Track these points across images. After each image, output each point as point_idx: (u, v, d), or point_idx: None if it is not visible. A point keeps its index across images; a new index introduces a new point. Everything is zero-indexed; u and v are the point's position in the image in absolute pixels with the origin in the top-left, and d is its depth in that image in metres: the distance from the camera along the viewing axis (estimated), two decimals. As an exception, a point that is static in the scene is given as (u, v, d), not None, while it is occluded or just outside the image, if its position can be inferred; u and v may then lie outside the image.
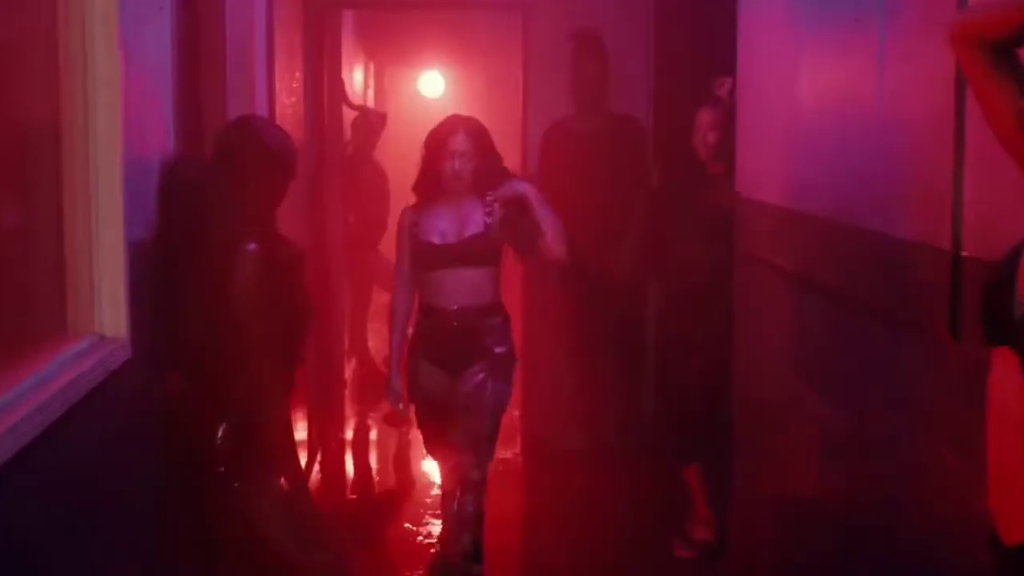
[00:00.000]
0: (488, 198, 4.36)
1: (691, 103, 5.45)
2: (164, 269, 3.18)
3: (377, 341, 8.79)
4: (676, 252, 5.30)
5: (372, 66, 12.03)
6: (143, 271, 3.00)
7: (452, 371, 4.39)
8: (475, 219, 4.36)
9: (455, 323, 4.35)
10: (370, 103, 11.24)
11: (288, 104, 5.19)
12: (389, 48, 11.72)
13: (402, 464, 6.99)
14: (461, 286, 4.34)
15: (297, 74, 5.69)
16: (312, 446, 6.31)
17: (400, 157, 9.37)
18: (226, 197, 3.39)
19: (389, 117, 9.09)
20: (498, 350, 4.40)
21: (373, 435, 7.56)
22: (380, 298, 8.69)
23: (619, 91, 6.21)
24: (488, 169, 4.37)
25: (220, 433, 3.28)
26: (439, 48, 11.91)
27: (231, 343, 3.30)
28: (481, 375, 4.37)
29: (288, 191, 3.59)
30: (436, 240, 4.33)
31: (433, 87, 12.93)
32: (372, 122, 8.52)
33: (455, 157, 4.31)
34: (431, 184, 4.39)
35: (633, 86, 6.28)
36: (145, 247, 3.03)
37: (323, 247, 6.78)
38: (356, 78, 10.12)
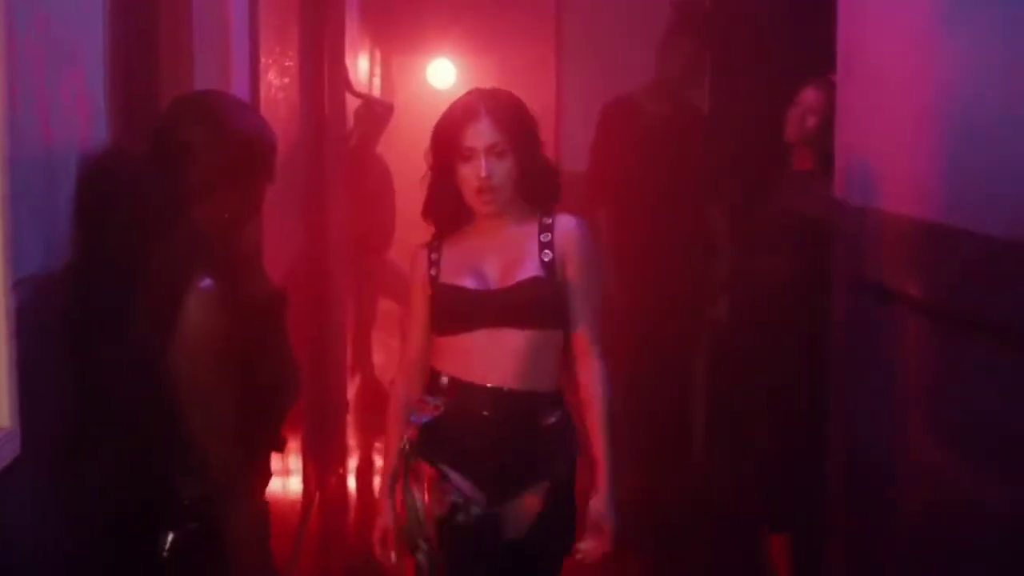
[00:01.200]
0: (545, 220, 2.94)
1: (757, 94, 4.58)
2: (82, 315, 2.26)
3: (383, 355, 8.03)
4: (746, 267, 4.39)
5: (378, 53, 11.15)
6: (42, 323, 2.07)
7: (487, 487, 2.92)
8: (528, 254, 2.91)
9: (486, 412, 2.87)
10: (375, 94, 10.40)
11: (279, 86, 4.26)
12: (397, 33, 10.80)
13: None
14: (503, 355, 2.86)
15: (291, 53, 4.75)
16: (309, 488, 5.45)
17: (404, 155, 8.60)
18: (170, 209, 2.45)
19: (396, 109, 8.27)
20: (560, 470, 2.94)
21: (379, 463, 6.73)
22: (387, 307, 7.98)
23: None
24: (536, 169, 2.93)
25: (167, 544, 2.35)
26: (451, 33, 10.97)
27: (178, 421, 2.35)
28: (538, 508, 2.93)
29: (264, 199, 2.62)
30: (469, 284, 2.91)
31: (443, 76, 11.97)
32: (377, 113, 7.74)
33: (479, 157, 2.85)
34: (448, 206, 2.95)
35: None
36: (48, 286, 2.09)
37: (323, 253, 5.93)
38: (360, 66, 9.27)
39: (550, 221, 2.94)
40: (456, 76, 11.88)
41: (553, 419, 2.92)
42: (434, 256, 2.97)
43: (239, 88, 3.41)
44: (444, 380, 2.92)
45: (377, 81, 11.16)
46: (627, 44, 5.48)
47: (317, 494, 5.72)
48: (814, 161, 4.13)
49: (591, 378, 2.94)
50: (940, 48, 3.04)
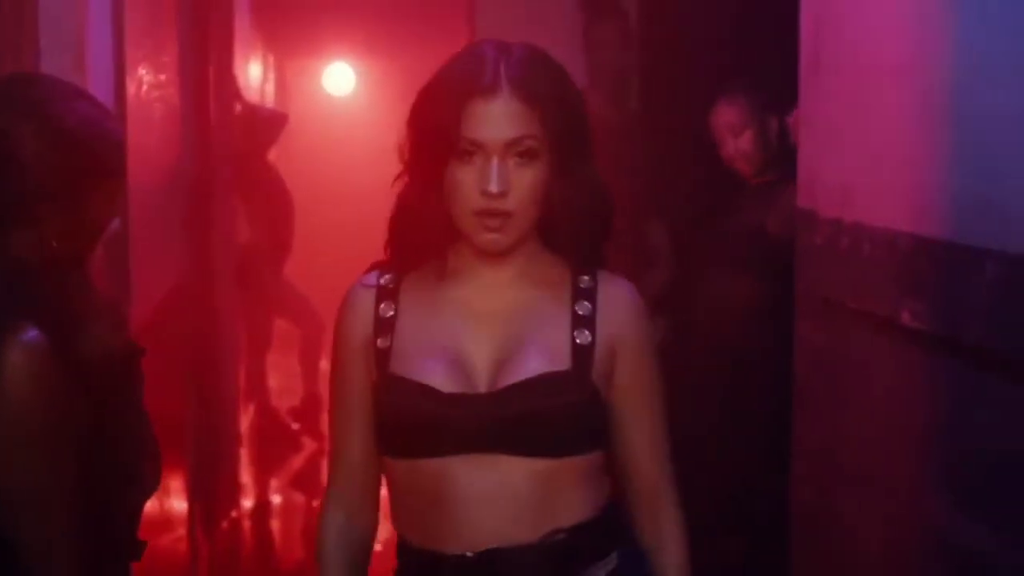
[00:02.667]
0: (583, 280, 1.87)
1: (694, 95, 4.12)
2: None
3: (280, 379, 7.47)
4: (701, 289, 3.92)
5: (271, 57, 10.54)
6: None
7: None
8: (548, 332, 1.82)
9: None
10: (269, 102, 9.82)
11: (153, 83, 3.68)
12: (291, 36, 10.20)
13: (314, 540, 5.59)
14: (489, 502, 1.76)
15: (169, 48, 4.16)
16: (196, 537, 4.86)
17: (298, 169, 8.07)
18: None
19: (290, 118, 7.80)
20: None
21: (277, 501, 6.19)
22: (283, 328, 7.42)
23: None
24: (581, 194, 1.83)
25: None
26: (350, 35, 10.38)
27: None
28: None
29: (109, 217, 1.99)
30: (442, 380, 1.78)
31: (341, 82, 11.36)
32: (267, 122, 7.23)
33: (490, 158, 1.75)
34: (426, 230, 1.83)
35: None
36: None
37: (208, 270, 5.36)
38: (252, 70, 8.68)
39: (591, 283, 1.84)
40: (355, 82, 11.27)
41: (602, 569, 1.81)
42: (386, 312, 1.81)
43: (98, 82, 2.83)
44: (399, 540, 1.85)
45: (270, 87, 10.56)
46: (549, 41, 4.96)
47: (206, 544, 5.13)
48: (775, 174, 3.71)
49: (669, 539, 1.90)
50: (937, 34, 2.57)
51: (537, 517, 1.75)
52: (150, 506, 4.10)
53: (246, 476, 6.48)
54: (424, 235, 1.81)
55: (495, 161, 1.73)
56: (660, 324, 4.43)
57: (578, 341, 1.78)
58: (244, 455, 6.57)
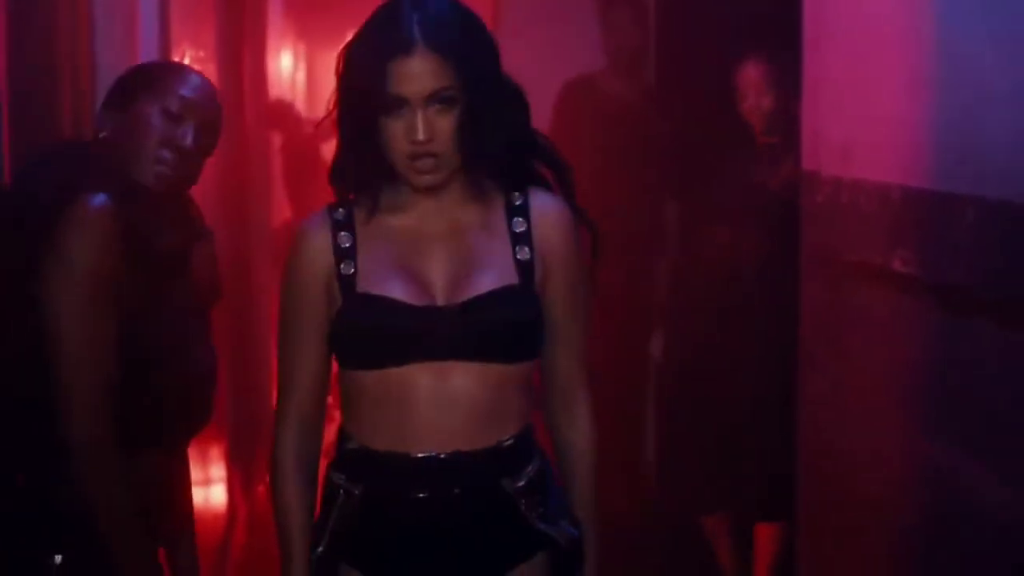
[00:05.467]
0: (514, 198, 2.05)
1: (706, 65, 4.27)
2: None
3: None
4: (705, 241, 4.08)
5: (302, 48, 10.74)
6: None
7: None
8: (493, 250, 2.02)
9: (423, 494, 1.98)
10: (299, 92, 10.00)
11: (195, 60, 3.89)
12: (321, 27, 10.39)
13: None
14: (450, 406, 1.96)
15: (202, 53, 4.37)
16: (233, 499, 5.08)
17: (326, 158, 8.22)
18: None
19: (321, 111, 7.86)
20: (554, 532, 2.05)
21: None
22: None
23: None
24: (499, 118, 1.97)
25: (54, 570, 1.97)
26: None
27: (49, 399, 1.99)
28: None
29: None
30: (403, 293, 1.97)
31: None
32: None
33: (413, 111, 1.91)
34: (367, 166, 2.00)
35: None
36: None
37: (244, 248, 5.56)
38: (283, 62, 8.87)
39: (521, 200, 2.03)
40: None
41: (527, 475, 2.02)
42: (345, 242, 1.98)
43: (147, 55, 3.04)
44: (353, 447, 1.99)
45: (301, 76, 10.75)
46: (568, 24, 5.13)
47: (244, 505, 5.34)
48: (780, 136, 3.88)
49: (581, 429, 2.11)
50: (927, 5, 2.76)
51: (491, 420, 1.97)
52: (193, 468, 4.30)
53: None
54: (364, 176, 2.00)
55: (419, 113, 1.90)
56: (658, 336, 4.56)
57: (519, 257, 2.00)
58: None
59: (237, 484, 5.16)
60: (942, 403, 2.73)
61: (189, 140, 2.19)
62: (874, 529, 3.06)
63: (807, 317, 3.40)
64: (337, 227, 1.99)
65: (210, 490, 4.72)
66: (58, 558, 2.00)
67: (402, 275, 1.96)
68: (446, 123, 1.92)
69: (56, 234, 1.98)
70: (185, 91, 2.21)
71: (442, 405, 1.94)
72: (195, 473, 4.44)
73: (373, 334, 1.96)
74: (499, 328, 1.96)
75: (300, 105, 9.22)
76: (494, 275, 1.97)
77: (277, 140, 7.36)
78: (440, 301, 1.96)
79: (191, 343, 2.28)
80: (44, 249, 1.98)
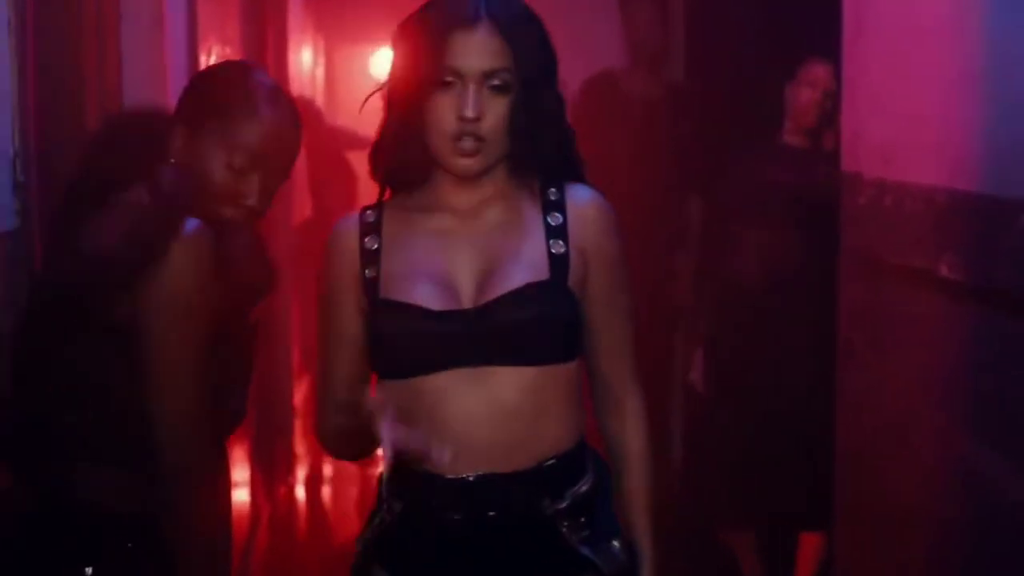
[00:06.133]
0: (551, 193, 1.95)
1: (736, 64, 4.21)
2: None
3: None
4: (740, 243, 4.01)
5: (321, 42, 10.69)
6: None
7: None
8: (526, 245, 1.91)
9: (456, 515, 1.88)
10: (319, 87, 9.95)
11: (221, 57, 3.83)
12: (339, 21, 10.34)
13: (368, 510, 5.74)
14: (484, 415, 1.85)
15: (228, 49, 4.31)
16: (257, 500, 5.03)
17: (346, 154, 8.19)
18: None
19: (339, 108, 7.87)
20: (598, 557, 1.91)
21: (329, 470, 6.29)
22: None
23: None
24: (547, 118, 1.90)
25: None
26: (397, 22, 10.51)
27: (151, 404, 1.95)
28: None
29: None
30: (428, 299, 1.87)
31: (387, 68, 11.50)
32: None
33: (467, 86, 1.84)
34: (409, 155, 1.90)
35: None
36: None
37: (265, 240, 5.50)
38: (303, 56, 8.82)
39: (558, 195, 1.93)
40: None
41: (571, 495, 1.90)
42: (371, 245, 1.89)
43: (175, 50, 2.99)
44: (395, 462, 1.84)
45: (320, 72, 10.71)
46: (588, 20, 5.07)
47: (266, 507, 5.30)
48: (807, 138, 3.82)
49: (631, 432, 1.99)
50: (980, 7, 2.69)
51: (531, 432, 1.85)
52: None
53: (300, 447, 6.63)
54: (404, 164, 1.91)
55: (472, 88, 1.82)
56: (697, 359, 4.47)
57: (553, 251, 1.88)
58: (298, 427, 6.75)
59: (260, 486, 5.12)
60: (984, 408, 2.66)
61: (254, 198, 2.07)
62: (912, 534, 2.99)
63: (845, 320, 3.34)
64: (365, 230, 1.91)
65: (234, 492, 4.68)
66: (89, 570, 1.95)
67: (425, 278, 1.86)
68: (498, 107, 1.84)
69: (163, 263, 1.92)
70: (254, 139, 2.05)
71: (474, 417, 1.83)
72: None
73: (395, 342, 1.86)
74: (528, 326, 1.84)
75: (320, 102, 9.18)
76: (523, 271, 1.86)
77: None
78: (466, 303, 1.86)
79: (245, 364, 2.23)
80: (144, 277, 1.93)
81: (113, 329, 1.95)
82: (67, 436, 2.01)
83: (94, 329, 1.95)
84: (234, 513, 4.59)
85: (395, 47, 1.91)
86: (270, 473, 5.45)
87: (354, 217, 1.94)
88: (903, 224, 2.96)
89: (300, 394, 7.14)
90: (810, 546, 3.93)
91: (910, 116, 2.95)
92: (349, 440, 1.93)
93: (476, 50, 1.83)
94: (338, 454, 2.01)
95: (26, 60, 2.09)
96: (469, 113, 1.82)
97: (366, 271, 1.88)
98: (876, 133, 3.14)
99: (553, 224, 1.90)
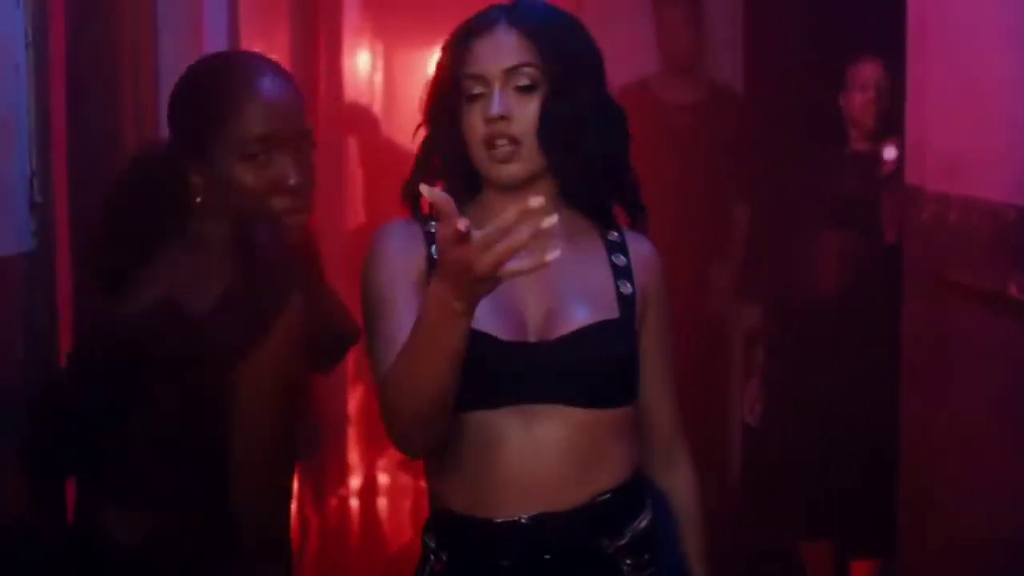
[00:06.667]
0: (611, 235, 1.92)
1: (801, 62, 4.08)
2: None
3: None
4: (795, 254, 3.89)
5: (380, 47, 10.64)
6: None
7: None
8: (594, 281, 1.86)
9: (506, 561, 1.78)
10: (376, 93, 9.90)
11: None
12: (399, 25, 10.28)
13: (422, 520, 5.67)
14: (540, 457, 1.76)
15: (275, 55, 4.22)
16: (306, 511, 4.97)
17: (406, 159, 8.13)
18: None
19: (399, 113, 7.83)
20: None
21: (384, 480, 6.30)
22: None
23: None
24: (587, 128, 1.80)
25: None
26: (458, 21, 10.43)
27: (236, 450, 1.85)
28: None
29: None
30: (491, 327, 1.75)
31: (448, 72, 11.42)
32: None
33: (491, 87, 1.79)
34: (454, 183, 1.83)
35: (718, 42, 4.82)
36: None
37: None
38: (360, 62, 8.77)
39: (619, 237, 1.88)
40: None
41: (630, 531, 1.81)
42: (435, 252, 1.72)
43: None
44: (437, 509, 1.82)
45: (379, 77, 10.66)
46: (623, 27, 4.94)
47: (315, 519, 5.24)
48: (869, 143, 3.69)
49: (683, 474, 1.95)
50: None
51: (584, 473, 1.76)
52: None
53: (354, 456, 6.58)
54: (445, 187, 1.79)
55: (496, 89, 1.77)
56: (753, 311, 4.36)
57: (622, 291, 1.84)
58: (352, 435, 6.70)
59: (308, 497, 5.06)
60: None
61: (292, 177, 1.91)
62: (978, 563, 2.85)
63: (909, 340, 3.20)
64: (430, 240, 1.79)
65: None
66: None
67: (491, 304, 1.68)
68: (527, 106, 1.77)
69: (263, 338, 1.81)
70: (259, 125, 1.90)
71: (528, 457, 1.73)
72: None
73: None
74: (597, 367, 1.77)
75: (377, 107, 9.13)
76: (594, 308, 1.79)
77: (353, 143, 7.26)
78: (532, 336, 1.76)
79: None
80: (242, 353, 1.82)
81: (191, 389, 1.86)
82: (115, 479, 1.93)
83: (171, 388, 1.87)
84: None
85: (436, 68, 1.86)
86: (320, 483, 5.39)
87: (411, 222, 1.83)
88: (967, 242, 2.82)
89: (354, 402, 7.11)
90: (862, 573, 3.81)
91: (977, 126, 2.81)
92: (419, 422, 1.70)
93: (493, 51, 1.78)
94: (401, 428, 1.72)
95: (48, 76, 2.01)
96: (494, 110, 1.76)
97: (423, 278, 1.76)
98: (941, 143, 3.00)
99: (619, 264, 1.86)
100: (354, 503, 6.07)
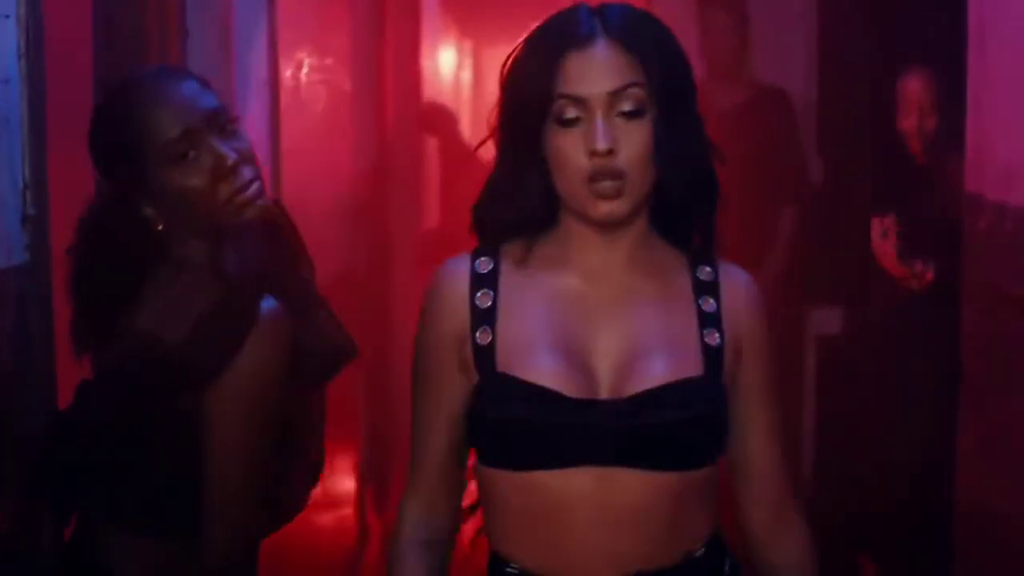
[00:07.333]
0: (704, 272, 1.68)
1: (872, 69, 3.95)
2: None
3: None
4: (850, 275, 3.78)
5: (467, 44, 10.59)
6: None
7: None
8: (676, 330, 1.65)
9: None
10: (464, 91, 9.86)
11: (317, 68, 3.72)
12: (487, 21, 10.22)
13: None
14: (620, 523, 1.59)
15: (329, 60, 4.15)
16: (364, 515, 4.95)
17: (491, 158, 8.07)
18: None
19: (481, 114, 7.77)
20: None
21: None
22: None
23: (765, 54, 4.61)
24: (691, 152, 1.63)
25: None
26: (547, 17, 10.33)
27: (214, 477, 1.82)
28: None
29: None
30: (558, 381, 1.57)
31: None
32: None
33: (594, 113, 1.57)
34: (532, 215, 1.65)
35: (787, 46, 4.66)
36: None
37: (385, 258, 5.43)
38: (443, 59, 8.72)
39: (712, 275, 1.67)
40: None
41: None
42: (484, 302, 1.61)
43: (245, 64, 2.88)
44: (512, 571, 1.63)
45: (466, 75, 10.62)
46: (668, 22, 4.83)
47: (377, 523, 5.20)
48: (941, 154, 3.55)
49: (795, 545, 1.73)
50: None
51: (667, 538, 1.59)
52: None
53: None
54: (522, 214, 1.62)
55: (599, 116, 1.54)
56: (835, 314, 4.26)
57: (707, 342, 1.61)
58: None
59: (370, 501, 5.03)
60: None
61: (228, 158, 1.85)
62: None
63: (969, 355, 3.07)
64: (478, 282, 1.61)
65: (339, 506, 4.60)
66: None
67: (555, 353, 1.55)
68: (636, 134, 1.55)
69: (235, 356, 1.78)
70: (175, 124, 1.85)
71: (607, 523, 1.56)
72: (320, 490, 4.35)
73: (515, 428, 1.56)
74: (678, 430, 1.56)
75: (466, 105, 9.10)
76: (674, 362, 1.58)
77: (432, 143, 7.23)
78: (604, 392, 1.57)
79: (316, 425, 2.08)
80: (216, 374, 1.79)
81: (174, 414, 1.83)
82: (105, 502, 1.91)
83: (155, 413, 1.84)
84: (337, 531, 4.52)
85: (502, 83, 1.62)
86: (381, 487, 5.34)
87: (464, 262, 1.64)
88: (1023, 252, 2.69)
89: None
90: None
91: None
92: (420, 554, 1.66)
93: (597, 70, 1.55)
94: (397, 568, 1.68)
95: (43, 88, 1.99)
96: (600, 146, 1.53)
97: (477, 334, 1.59)
98: (1000, 151, 2.87)
99: (707, 310, 1.63)
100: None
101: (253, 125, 3.02)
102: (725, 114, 4.33)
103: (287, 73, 3.25)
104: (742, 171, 4.28)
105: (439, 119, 7.23)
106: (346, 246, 4.66)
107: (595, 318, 1.60)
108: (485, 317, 1.59)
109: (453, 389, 1.62)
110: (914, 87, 3.56)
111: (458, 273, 1.62)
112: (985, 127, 2.97)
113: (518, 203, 1.61)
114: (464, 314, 1.60)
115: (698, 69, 4.59)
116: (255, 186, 1.87)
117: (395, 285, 5.74)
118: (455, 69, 9.65)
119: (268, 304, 1.80)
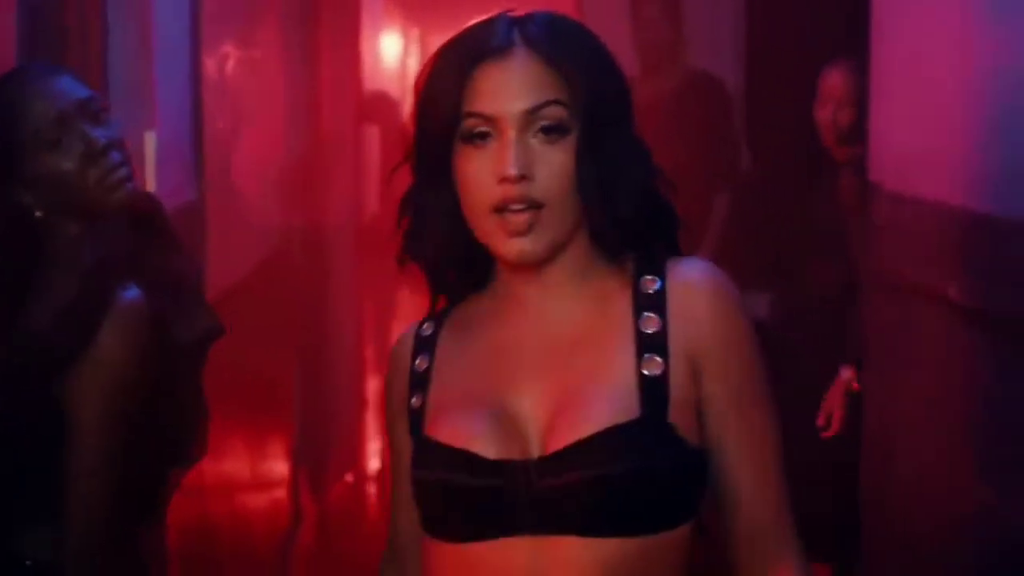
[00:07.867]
0: (647, 284, 1.41)
1: (800, 60, 4.03)
2: None
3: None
4: (782, 273, 3.86)
5: (414, 31, 10.61)
6: None
7: None
8: (614, 365, 1.38)
9: None
10: (409, 78, 9.87)
11: (244, 62, 3.78)
12: (433, 7, 10.23)
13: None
14: None
15: (257, 53, 4.19)
16: (298, 499, 5.00)
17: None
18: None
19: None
20: None
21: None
22: (410, 298, 7.51)
23: (695, 42, 4.69)
24: (623, 170, 1.40)
25: None
26: (498, 9, 10.36)
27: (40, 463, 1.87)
28: None
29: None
30: (479, 444, 1.38)
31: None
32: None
33: (504, 135, 1.36)
34: (450, 245, 1.43)
35: (714, 35, 4.76)
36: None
37: (320, 242, 5.49)
38: (387, 47, 8.76)
39: (656, 283, 1.41)
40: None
41: None
42: (421, 366, 1.47)
43: (168, 60, 2.94)
44: None
45: (413, 62, 10.64)
46: (596, 22, 4.88)
47: (312, 507, 5.27)
48: (856, 148, 3.63)
49: None
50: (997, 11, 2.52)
51: None
52: (241, 467, 4.19)
53: (374, 443, 6.58)
54: (439, 252, 1.43)
55: (512, 137, 1.35)
56: (762, 300, 4.33)
57: (646, 373, 1.36)
58: (370, 422, 6.71)
59: (303, 484, 5.09)
60: (993, 435, 2.51)
61: (97, 142, 1.90)
62: (927, 570, 2.84)
63: (872, 340, 3.18)
64: (419, 347, 1.47)
65: (269, 489, 4.65)
66: None
67: (482, 411, 1.39)
68: (554, 158, 1.36)
69: (92, 343, 1.84)
70: (45, 111, 1.89)
71: None
72: (258, 473, 4.41)
73: (438, 495, 1.40)
74: (607, 488, 1.33)
75: (412, 92, 9.10)
76: (606, 407, 1.35)
77: (373, 131, 7.27)
78: (534, 449, 1.37)
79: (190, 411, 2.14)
80: (76, 359, 1.85)
81: (48, 401, 1.87)
82: (28, 499, 1.94)
83: (35, 401, 1.89)
84: (269, 514, 4.58)
85: (414, 96, 1.43)
86: (316, 472, 5.40)
87: (414, 327, 1.50)
88: (917, 241, 2.80)
89: (373, 387, 7.12)
90: None
91: (924, 128, 2.79)
92: None
93: (511, 85, 1.36)
94: None
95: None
96: (511, 170, 1.34)
97: (412, 400, 1.45)
98: (895, 142, 2.98)
99: (648, 331, 1.38)
100: (370, 489, 6.08)
101: (175, 119, 3.08)
102: (659, 104, 4.41)
103: (211, 66, 3.30)
104: (675, 160, 4.39)
105: (380, 107, 7.30)
106: (279, 234, 4.71)
107: (528, 366, 1.41)
108: (420, 382, 1.46)
109: (406, 458, 1.47)
110: (835, 79, 3.62)
111: (405, 340, 1.50)
112: (884, 116, 3.07)
113: (441, 251, 1.43)
114: (405, 380, 1.48)
115: (632, 62, 4.70)
116: (123, 170, 1.93)
117: (332, 272, 5.80)
118: (401, 56, 9.69)
119: (128, 292, 1.86)
